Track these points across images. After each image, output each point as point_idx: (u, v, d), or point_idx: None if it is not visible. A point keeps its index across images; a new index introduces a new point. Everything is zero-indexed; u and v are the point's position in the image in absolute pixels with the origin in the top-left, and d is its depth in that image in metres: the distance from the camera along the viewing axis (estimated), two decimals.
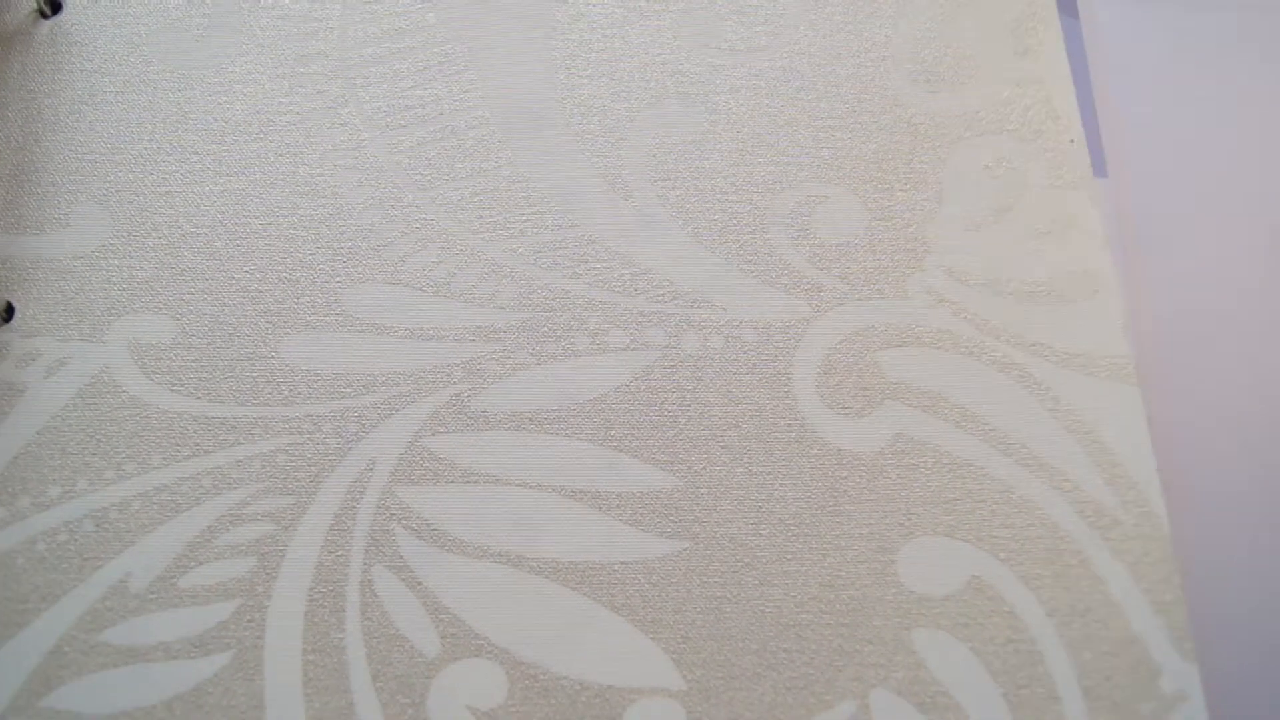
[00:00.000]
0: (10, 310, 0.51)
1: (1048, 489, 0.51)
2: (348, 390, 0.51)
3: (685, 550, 0.50)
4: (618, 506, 0.50)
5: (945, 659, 0.48)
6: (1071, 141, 0.59)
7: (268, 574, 0.48)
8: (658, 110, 0.58)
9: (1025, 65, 0.61)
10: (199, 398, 0.50)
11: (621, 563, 0.49)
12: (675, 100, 0.58)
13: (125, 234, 0.53)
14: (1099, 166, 0.60)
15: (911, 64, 0.60)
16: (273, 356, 0.51)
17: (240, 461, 0.49)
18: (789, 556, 0.50)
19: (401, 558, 0.48)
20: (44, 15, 0.56)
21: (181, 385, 0.51)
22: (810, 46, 0.60)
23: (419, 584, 0.48)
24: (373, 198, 0.55)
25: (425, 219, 0.54)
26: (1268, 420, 0.55)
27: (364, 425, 0.50)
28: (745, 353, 0.53)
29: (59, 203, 0.53)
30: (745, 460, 0.51)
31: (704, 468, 0.51)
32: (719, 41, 0.60)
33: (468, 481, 0.50)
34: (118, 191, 0.54)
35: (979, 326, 0.55)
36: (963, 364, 0.54)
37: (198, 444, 0.50)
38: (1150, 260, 0.58)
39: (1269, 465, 0.54)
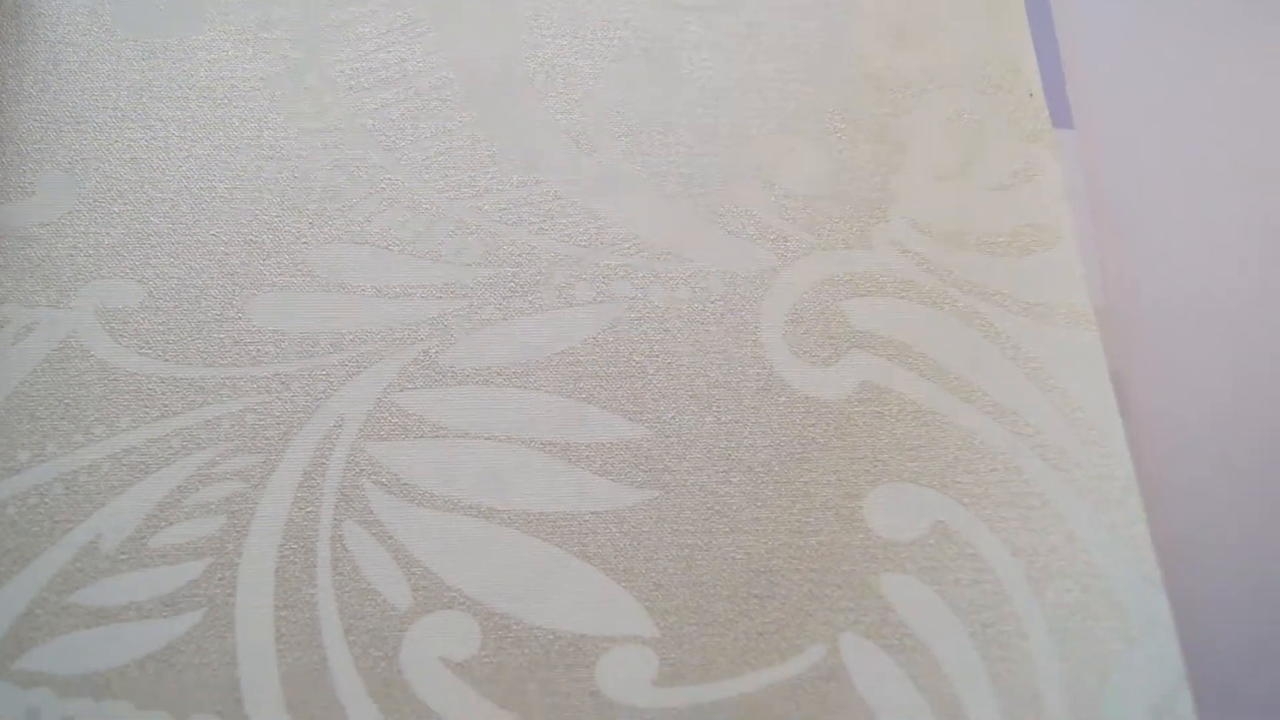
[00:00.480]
0: None
1: (1009, 434, 0.50)
2: (315, 349, 0.50)
3: (655, 499, 0.48)
4: (587, 457, 0.49)
5: (912, 602, 0.47)
6: (1030, 95, 0.58)
7: (238, 532, 0.47)
8: (621, 67, 0.56)
9: (986, 20, 0.60)
10: (167, 360, 0.49)
11: (592, 513, 0.48)
12: (638, 57, 0.57)
13: (91, 201, 0.52)
14: (1064, 118, 0.59)
15: (875, 19, 0.59)
16: (240, 318, 0.50)
17: (209, 421, 0.48)
18: (759, 503, 0.49)
19: (372, 512, 0.47)
20: None
21: (149, 348, 0.49)
22: (774, 1, 0.59)
23: (390, 538, 0.47)
24: (337, 160, 0.53)
25: (390, 179, 0.53)
26: (1230, 359, 0.54)
27: (332, 383, 0.49)
28: (712, 303, 0.52)
29: (24, 171, 0.52)
30: (714, 409, 0.50)
31: (673, 417, 0.50)
32: (680, 0, 0.58)
33: (437, 436, 0.49)
34: (83, 159, 0.52)
35: (942, 277, 0.53)
36: (926, 313, 0.53)
37: (166, 405, 0.48)
38: (1116, 208, 0.57)
39: (1232, 402, 0.53)
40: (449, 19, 0.56)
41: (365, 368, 0.49)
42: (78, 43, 0.54)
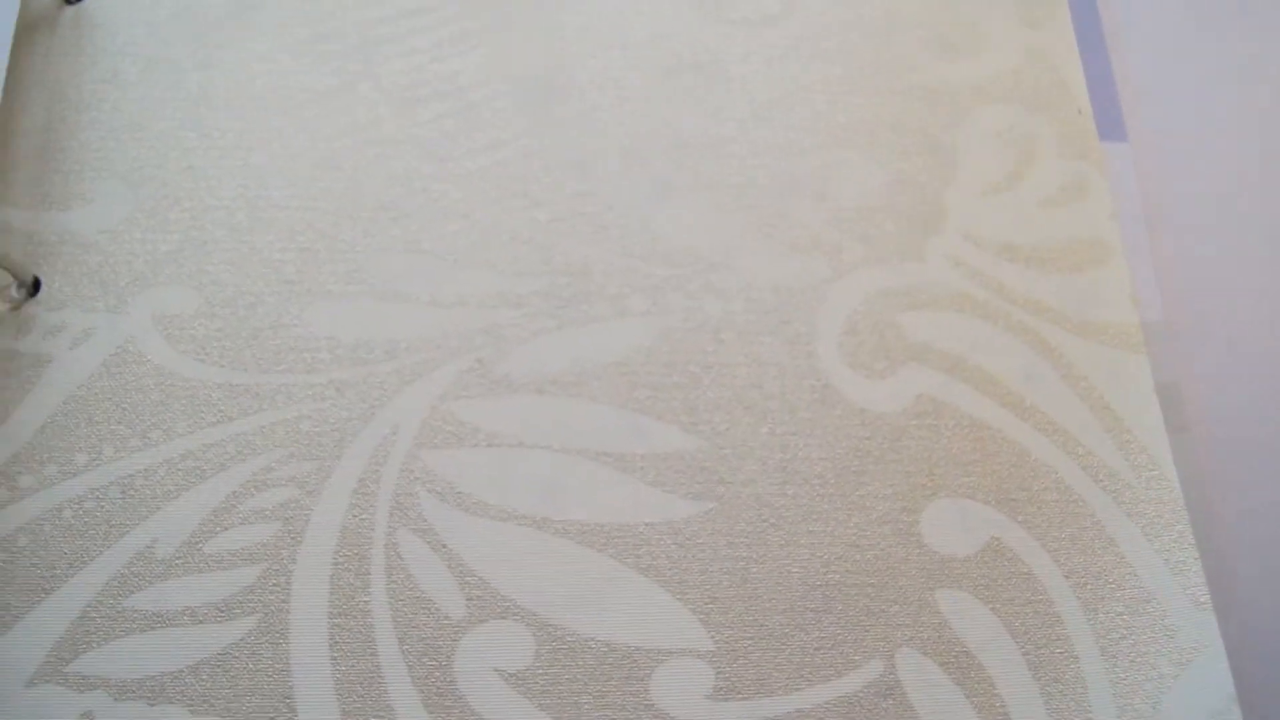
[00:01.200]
0: (37, 284, 0.50)
1: (1062, 453, 0.50)
2: (370, 357, 0.50)
3: (710, 511, 0.48)
4: (641, 468, 0.49)
5: (968, 619, 0.47)
6: (1079, 112, 0.58)
7: (292, 538, 0.46)
8: (671, 80, 0.57)
9: (1033, 36, 0.60)
10: (222, 366, 0.49)
11: (647, 524, 0.48)
12: (688, 70, 0.57)
13: (148, 209, 0.52)
14: (1117, 130, 0.59)
15: (921, 30, 0.59)
16: (295, 325, 0.50)
17: (264, 428, 0.48)
18: (814, 516, 0.48)
19: (425, 521, 0.47)
20: (68, 1, 0.56)
21: (205, 354, 0.49)
22: (822, 15, 0.59)
23: (444, 546, 0.47)
24: (391, 171, 0.53)
25: (444, 190, 0.53)
26: None
27: (386, 391, 0.49)
28: (766, 314, 0.52)
29: (84, 179, 0.52)
30: (768, 420, 0.50)
31: (727, 428, 0.50)
32: (730, 12, 0.59)
33: (491, 445, 0.49)
34: (141, 168, 0.53)
35: (995, 290, 0.53)
36: (980, 327, 0.52)
37: (222, 411, 0.48)
38: (1172, 221, 0.57)
39: None
40: (500, 32, 0.57)
41: (420, 376, 0.49)
42: (136, 54, 0.55)
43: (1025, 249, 0.54)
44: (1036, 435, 0.50)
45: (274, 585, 0.46)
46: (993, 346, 0.52)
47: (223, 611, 0.45)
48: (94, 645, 0.44)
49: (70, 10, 0.56)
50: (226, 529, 0.46)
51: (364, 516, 0.47)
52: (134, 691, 0.44)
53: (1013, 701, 0.45)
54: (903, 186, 0.55)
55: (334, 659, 0.44)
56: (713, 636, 0.46)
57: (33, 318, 0.50)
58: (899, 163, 0.55)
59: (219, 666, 0.44)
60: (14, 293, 0.50)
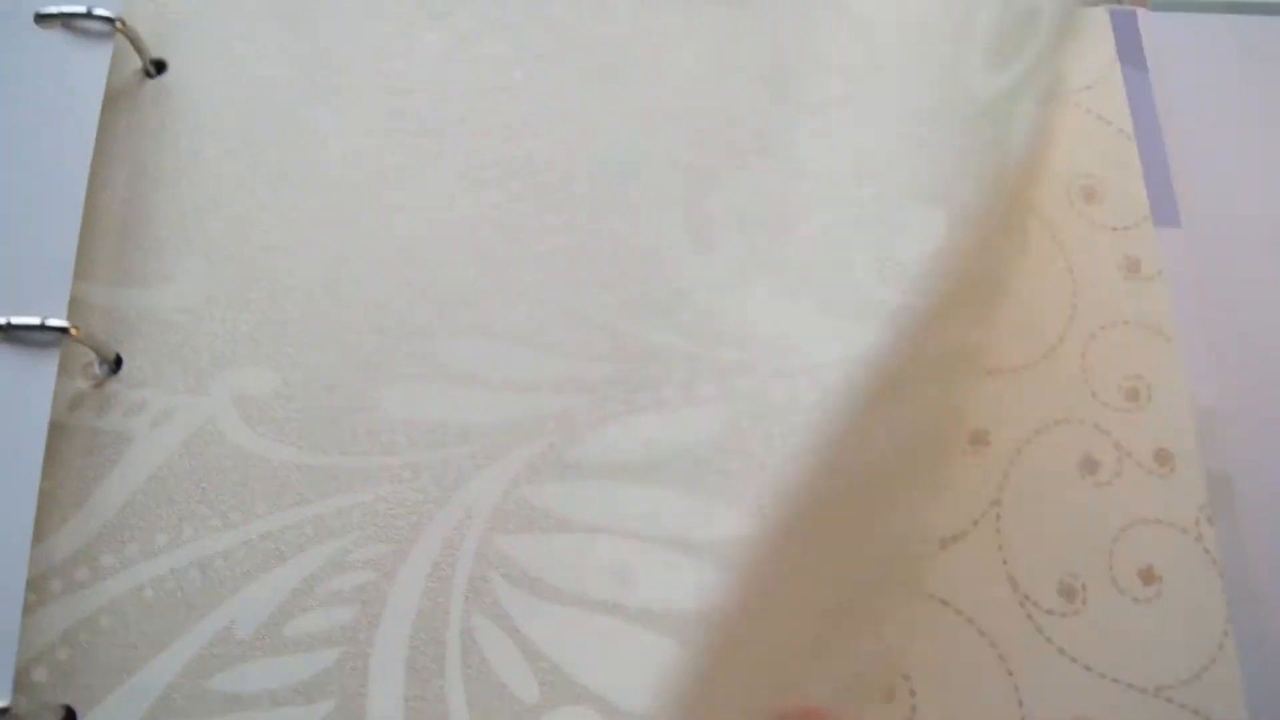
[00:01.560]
0: (119, 361, 0.51)
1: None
2: (445, 440, 0.50)
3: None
4: (711, 554, 0.49)
5: None
6: None
7: (370, 621, 0.47)
8: (738, 164, 0.57)
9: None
10: (300, 447, 0.50)
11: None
12: (755, 155, 0.58)
13: (228, 288, 0.53)
14: (1172, 216, 0.59)
15: (988, 113, 0.60)
16: (372, 407, 0.51)
17: (342, 510, 0.49)
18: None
19: (500, 605, 0.47)
20: (149, 75, 0.57)
21: (284, 435, 0.50)
22: (883, 101, 0.59)
23: (517, 631, 0.47)
24: (466, 252, 0.54)
25: (517, 273, 0.54)
26: None
27: (462, 474, 0.50)
28: (831, 396, 0.52)
29: (164, 257, 0.53)
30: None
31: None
32: (797, 95, 0.59)
33: (563, 530, 0.49)
34: (220, 246, 0.54)
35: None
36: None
37: (300, 493, 0.49)
38: (1226, 308, 0.57)
39: None
40: (574, 113, 0.57)
41: (493, 460, 0.50)
42: (216, 130, 0.56)
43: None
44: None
45: (352, 668, 0.46)
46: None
47: (301, 694, 0.46)
48: None
49: (151, 84, 0.57)
50: (305, 611, 0.47)
51: (439, 600, 0.47)
52: None
53: None
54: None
55: None
56: None
57: (114, 395, 0.50)
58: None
59: None
60: (96, 370, 0.51)
